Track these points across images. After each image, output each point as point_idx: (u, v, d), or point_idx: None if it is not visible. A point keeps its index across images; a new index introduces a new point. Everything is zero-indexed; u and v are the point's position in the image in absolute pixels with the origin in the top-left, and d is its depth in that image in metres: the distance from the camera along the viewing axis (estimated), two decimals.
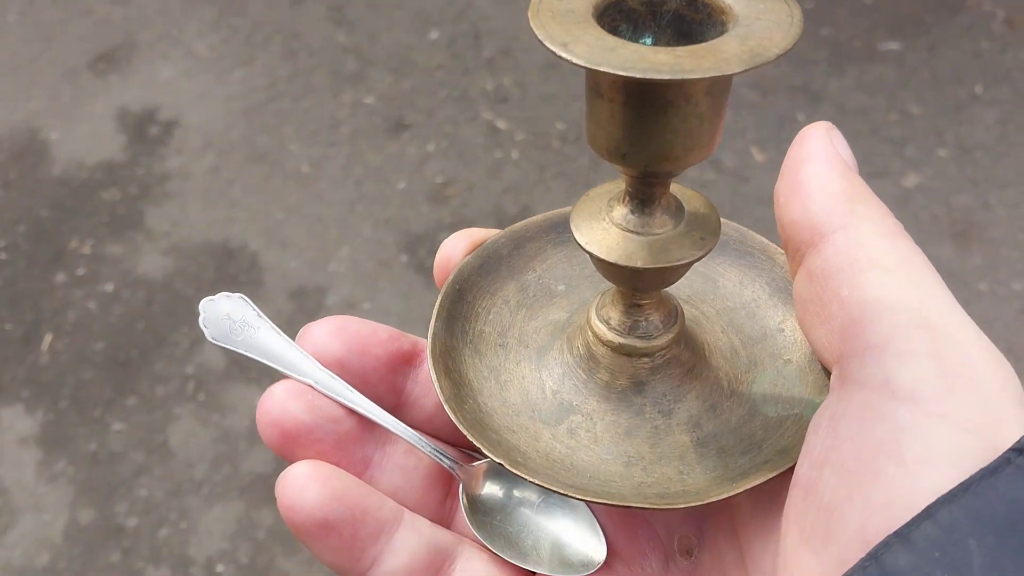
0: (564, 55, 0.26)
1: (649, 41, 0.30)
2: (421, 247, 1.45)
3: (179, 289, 1.42)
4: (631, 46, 0.26)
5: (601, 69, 0.25)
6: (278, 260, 1.45)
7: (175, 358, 1.34)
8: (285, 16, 1.88)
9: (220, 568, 1.14)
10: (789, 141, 0.33)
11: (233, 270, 1.44)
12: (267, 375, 1.30)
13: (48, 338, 1.38)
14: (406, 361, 0.36)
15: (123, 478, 1.23)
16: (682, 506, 0.30)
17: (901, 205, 1.45)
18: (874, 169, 1.50)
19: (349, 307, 1.38)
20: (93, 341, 1.37)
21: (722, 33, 0.27)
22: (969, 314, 0.28)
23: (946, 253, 1.39)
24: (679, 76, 0.25)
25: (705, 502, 0.30)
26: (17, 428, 1.28)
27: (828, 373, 0.30)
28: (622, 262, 0.31)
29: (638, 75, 0.25)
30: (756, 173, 1.51)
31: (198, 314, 0.35)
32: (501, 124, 1.64)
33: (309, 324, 0.35)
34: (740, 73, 0.25)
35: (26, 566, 1.15)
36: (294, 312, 1.38)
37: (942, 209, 1.45)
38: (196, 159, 1.62)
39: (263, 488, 1.21)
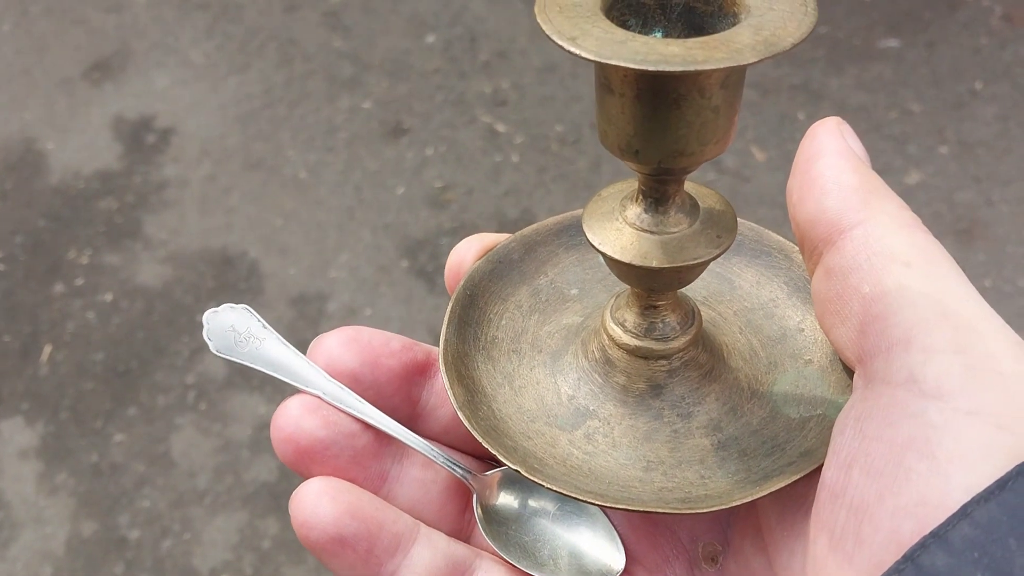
0: (573, 50, 0.25)
1: (659, 35, 0.29)
2: (421, 252, 1.45)
3: (178, 298, 1.41)
4: (641, 39, 0.25)
5: (611, 63, 0.25)
6: (277, 267, 1.44)
7: (175, 367, 1.33)
8: (280, 22, 1.87)
9: None
10: (789, 140, 0.32)
11: (232, 278, 1.43)
12: (269, 383, 1.29)
13: (47, 349, 1.37)
14: (420, 371, 0.36)
15: (125, 489, 1.22)
16: (704, 510, 0.29)
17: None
18: (876, 167, 1.48)
19: (350, 313, 1.37)
20: (92, 352, 1.36)
21: (734, 25, 0.27)
22: None
23: (949, 250, 1.37)
24: (692, 68, 0.24)
25: (728, 505, 0.30)
26: (17, 440, 1.27)
27: (851, 372, 0.29)
28: (637, 262, 0.31)
29: (650, 68, 0.24)
30: (757, 172, 1.50)
31: (200, 325, 0.35)
32: (500, 127, 1.63)
33: (321, 335, 0.35)
34: (755, 63, 0.24)
35: None
36: (295, 319, 1.37)
37: (944, 206, 1.44)
38: (193, 167, 1.61)
39: (267, 497, 1.20)
